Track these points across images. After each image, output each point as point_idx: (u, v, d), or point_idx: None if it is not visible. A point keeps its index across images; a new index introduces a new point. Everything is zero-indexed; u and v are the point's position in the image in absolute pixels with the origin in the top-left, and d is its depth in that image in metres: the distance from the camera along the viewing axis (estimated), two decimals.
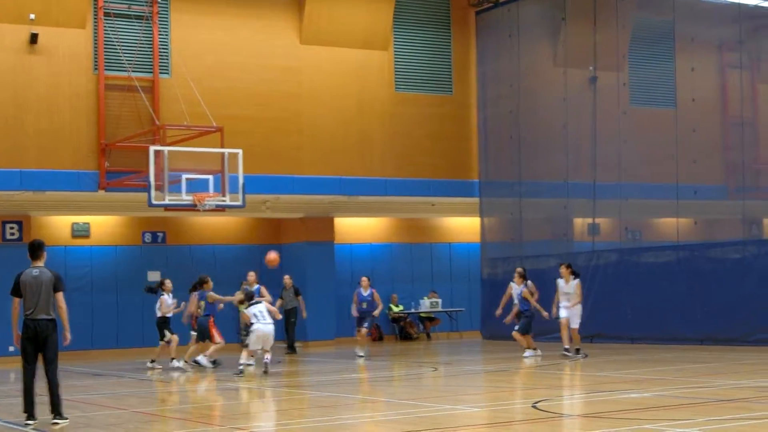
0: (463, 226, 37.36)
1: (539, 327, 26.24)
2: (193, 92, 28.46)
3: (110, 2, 29.22)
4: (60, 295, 14.47)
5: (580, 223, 31.58)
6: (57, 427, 14.12)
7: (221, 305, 25.37)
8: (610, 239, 30.64)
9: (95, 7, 29.15)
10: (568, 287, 24.24)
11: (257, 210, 31.94)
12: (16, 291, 14.52)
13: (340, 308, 32.64)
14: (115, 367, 27.05)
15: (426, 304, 36.24)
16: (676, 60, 29.12)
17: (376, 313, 26.75)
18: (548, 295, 25.20)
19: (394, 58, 33.32)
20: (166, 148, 25.99)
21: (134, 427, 14.40)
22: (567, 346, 23.99)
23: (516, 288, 25.02)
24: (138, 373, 24.63)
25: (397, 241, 36.94)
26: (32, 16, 28.09)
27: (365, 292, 26.62)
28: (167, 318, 25.60)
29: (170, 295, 25.64)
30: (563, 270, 24.30)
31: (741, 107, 27.62)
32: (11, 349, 21.55)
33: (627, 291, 28.75)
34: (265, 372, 22.01)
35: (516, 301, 24.99)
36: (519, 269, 25.58)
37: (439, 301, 36.43)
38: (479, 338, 34.15)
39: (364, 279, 27.01)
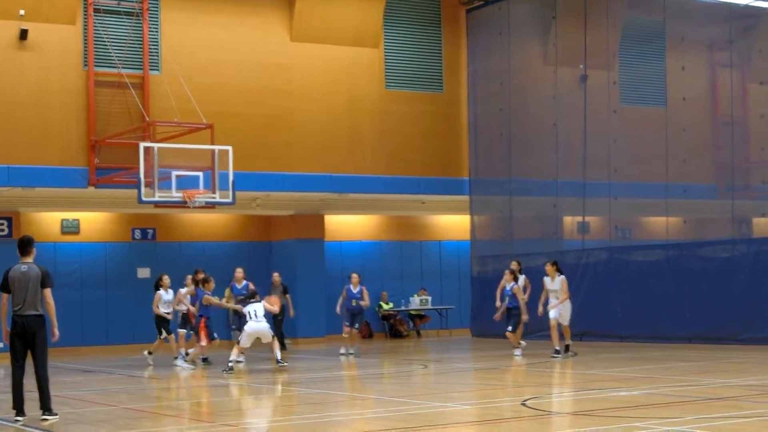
0: (453, 223, 37.37)
1: (529, 325, 26.22)
2: (183, 89, 28.43)
3: None
4: (48, 291, 14.45)
5: (569, 221, 31.60)
6: (46, 423, 14.11)
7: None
8: (599, 238, 30.68)
9: (85, 4, 29.09)
10: (554, 284, 24.16)
11: (247, 207, 31.93)
12: (5, 287, 14.50)
13: (330, 305, 32.52)
14: (105, 363, 27.02)
15: (416, 302, 36.24)
16: (667, 59, 29.16)
17: (363, 303, 26.62)
18: (538, 292, 25.19)
19: (385, 55, 33.31)
20: (156, 145, 25.96)
21: (124, 423, 14.38)
22: (557, 348, 23.94)
23: (507, 286, 25.00)
24: (128, 370, 24.60)
25: (387, 238, 36.94)
26: (22, 12, 28.03)
27: (355, 289, 26.54)
28: (165, 316, 25.38)
29: (168, 291, 25.41)
30: (549, 268, 24.25)
31: (731, 106, 27.65)
32: (0, 345, 21.61)
33: (616, 289, 28.78)
34: (279, 366, 22.25)
35: (506, 298, 24.97)
36: (513, 264, 25.55)
37: (429, 298, 36.43)
38: (469, 336, 34.17)
39: (354, 276, 26.89)
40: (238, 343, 22.80)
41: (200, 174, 26.21)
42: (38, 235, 26.63)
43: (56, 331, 14.60)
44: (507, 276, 25.10)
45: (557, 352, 23.81)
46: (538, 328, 27.51)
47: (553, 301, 24.16)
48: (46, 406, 14.35)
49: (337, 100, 32.23)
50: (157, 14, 30.07)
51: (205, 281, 24.12)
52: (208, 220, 34.23)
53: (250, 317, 22.51)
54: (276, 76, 31.38)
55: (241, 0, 31.13)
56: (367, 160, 32.58)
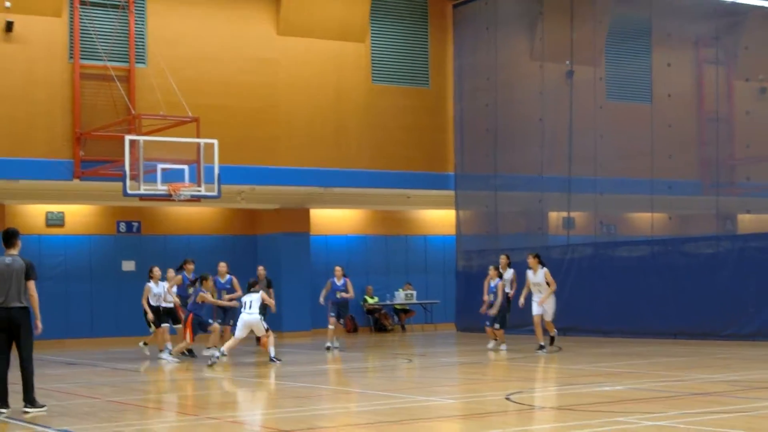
0: (438, 218, 37.41)
1: (512, 319, 26.22)
2: (169, 82, 28.39)
3: None
4: (31, 284, 14.41)
5: (555, 216, 31.64)
6: (28, 415, 14.08)
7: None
8: (585, 233, 30.73)
9: None
10: (537, 277, 23.90)
11: (233, 201, 31.89)
12: None
13: (316, 299, 32.48)
14: (90, 356, 26.97)
15: (401, 296, 36.28)
16: (653, 55, 29.22)
17: (348, 295, 26.54)
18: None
19: (371, 50, 33.29)
20: (141, 138, 25.93)
21: (108, 416, 14.36)
22: (542, 343, 23.90)
23: (492, 282, 24.99)
24: (113, 362, 24.57)
25: (372, 233, 36.97)
26: (8, 3, 27.93)
27: (339, 282, 26.51)
28: (157, 307, 25.13)
29: (159, 283, 25.22)
30: (531, 260, 23.96)
31: (716, 103, 27.73)
32: None
33: (601, 285, 28.84)
34: (271, 361, 22.29)
35: (491, 295, 24.93)
36: (502, 258, 25.38)
37: (414, 293, 36.48)
38: (454, 330, 34.22)
39: (338, 268, 26.77)
40: (233, 334, 22.96)
41: (185, 167, 26.16)
42: (23, 228, 26.59)
43: (39, 324, 14.58)
44: (492, 272, 25.11)
45: (541, 347, 23.78)
46: (521, 323, 27.50)
47: (536, 295, 24.09)
48: (29, 399, 14.33)
49: (323, 94, 32.21)
50: (143, 7, 30.00)
51: (203, 279, 23.95)
52: (193, 213, 34.21)
53: (244, 308, 22.65)
54: (262, 70, 31.35)
55: None
56: (352, 155, 32.58)
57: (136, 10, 29.67)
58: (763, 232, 26.16)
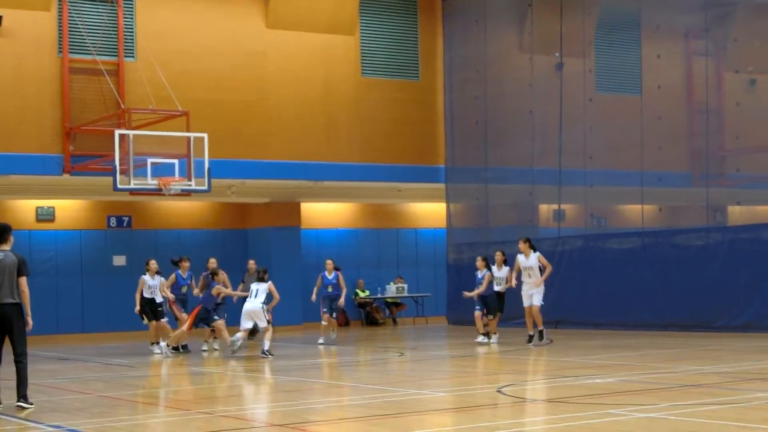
0: (429, 211, 37.42)
1: (506, 312, 26.17)
2: (158, 76, 28.34)
3: None
4: (23, 280, 14.36)
5: (545, 209, 31.66)
6: (23, 412, 14.05)
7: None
8: (575, 225, 30.76)
9: None
10: (529, 261, 23.49)
11: (223, 195, 31.87)
12: None
13: (307, 293, 32.50)
14: (81, 351, 26.95)
15: (392, 290, 36.29)
16: (642, 47, 29.22)
17: (341, 302, 26.44)
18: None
19: (361, 43, 33.27)
20: (131, 132, 25.88)
21: (100, 411, 14.35)
22: (531, 333, 23.84)
23: (479, 274, 24.83)
24: (104, 358, 24.54)
25: (363, 226, 36.98)
26: None
27: (330, 276, 26.40)
28: (152, 300, 24.89)
29: (155, 276, 25.03)
30: (522, 245, 23.57)
31: (706, 95, 27.74)
32: None
33: (592, 277, 28.86)
34: (263, 355, 22.31)
35: (477, 286, 24.72)
36: (498, 255, 25.05)
37: (405, 286, 36.49)
38: (445, 323, 34.24)
39: (329, 262, 26.62)
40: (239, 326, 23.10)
41: (176, 161, 26.12)
42: (13, 223, 26.28)
43: (30, 320, 14.54)
44: (479, 263, 24.93)
45: (531, 338, 23.68)
46: (513, 316, 27.49)
47: (527, 279, 23.69)
48: (22, 395, 14.30)
49: (312, 87, 32.18)
50: (132, 1, 29.94)
51: (214, 273, 23.88)
52: (183, 207, 34.17)
53: (250, 296, 22.89)
54: (251, 64, 31.31)
55: None
56: (342, 148, 32.56)
57: (124, 3, 29.61)
58: (753, 224, 26.20)
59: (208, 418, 13.38)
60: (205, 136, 26.19)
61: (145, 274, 24.93)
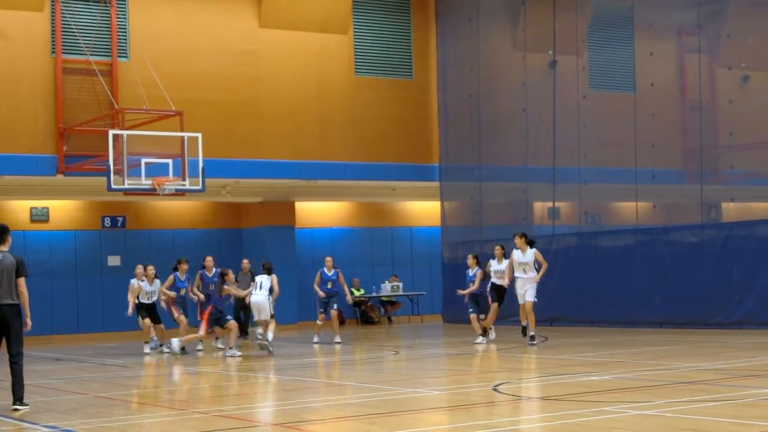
0: (423, 210, 37.42)
1: (503, 310, 26.13)
2: (151, 76, 28.33)
3: None
4: (21, 281, 14.34)
5: (540, 207, 31.68)
6: (18, 413, 14.04)
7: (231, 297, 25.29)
8: (569, 223, 30.77)
9: None
10: (526, 257, 22.81)
11: (217, 194, 31.87)
12: None
13: (302, 292, 32.63)
14: (76, 351, 26.93)
15: (387, 288, 36.29)
16: (635, 45, 29.25)
17: (348, 298, 26.47)
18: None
19: (354, 42, 33.28)
20: (125, 132, 25.88)
21: (95, 411, 14.34)
22: (524, 324, 23.28)
23: (470, 272, 24.67)
24: (99, 358, 24.53)
25: (357, 225, 36.98)
26: None
27: (329, 272, 26.32)
28: (151, 305, 24.81)
29: (154, 281, 24.88)
30: (518, 240, 22.89)
31: (699, 92, 27.75)
32: None
33: (587, 274, 28.89)
34: (264, 349, 22.51)
35: (469, 284, 24.58)
36: (497, 249, 24.86)
37: (400, 285, 36.49)
38: (440, 322, 34.24)
39: (328, 259, 26.51)
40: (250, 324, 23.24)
41: (170, 161, 26.12)
42: (7, 224, 26.46)
43: (29, 321, 14.50)
44: (470, 261, 24.78)
45: (525, 328, 23.23)
46: (508, 314, 27.48)
47: (521, 275, 23.03)
48: (18, 396, 14.27)
49: (306, 86, 32.18)
50: (124, 1, 29.93)
51: (224, 274, 23.78)
52: (178, 207, 34.16)
53: (255, 288, 23.11)
54: (245, 63, 31.31)
55: None
56: (336, 147, 32.56)
57: (117, 4, 29.61)
58: (747, 221, 26.21)
59: (204, 418, 13.37)
60: (199, 135, 26.20)
61: (142, 281, 24.79)
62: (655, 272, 27.17)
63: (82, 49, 28.84)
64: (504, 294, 24.13)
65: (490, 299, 24.51)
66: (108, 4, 29.39)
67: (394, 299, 36.75)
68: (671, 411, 12.03)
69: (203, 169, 26.24)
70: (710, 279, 25.86)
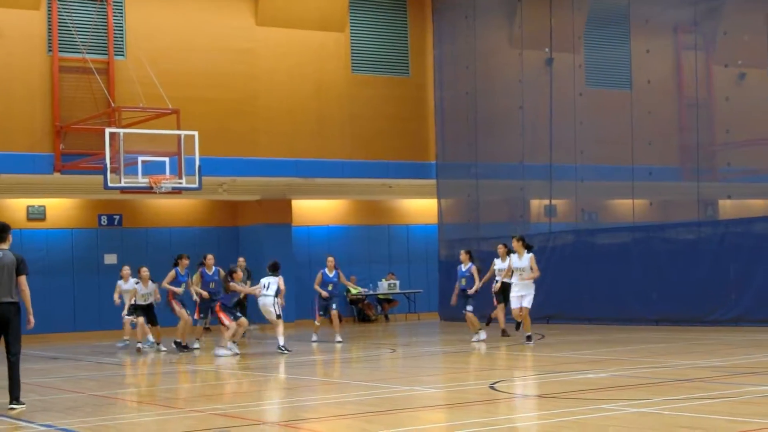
0: (420, 207, 37.42)
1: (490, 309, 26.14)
2: (148, 74, 28.31)
3: None
4: (23, 279, 14.33)
5: (536, 204, 31.67)
6: (14, 411, 14.03)
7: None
8: (566, 220, 30.78)
9: None
10: (522, 262, 22.27)
11: (214, 192, 31.86)
12: None
13: (299, 291, 32.57)
14: (73, 350, 26.92)
15: (384, 286, 36.28)
16: (632, 42, 29.23)
17: (355, 293, 26.41)
18: None
19: (351, 39, 33.26)
20: (121, 131, 25.87)
21: (92, 410, 14.33)
22: (529, 333, 22.90)
23: (463, 267, 24.31)
24: (96, 356, 24.52)
25: (354, 223, 36.97)
26: None
27: (330, 273, 25.83)
28: (148, 306, 24.72)
29: (149, 283, 24.80)
30: (515, 244, 22.40)
31: (696, 89, 27.76)
32: None
33: (583, 272, 28.89)
34: (281, 351, 22.56)
35: (461, 280, 24.25)
36: (500, 248, 24.70)
37: (397, 282, 36.49)
38: (437, 320, 34.24)
39: (330, 259, 25.98)
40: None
41: (166, 159, 26.11)
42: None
43: (32, 319, 14.47)
44: (463, 256, 24.40)
45: (529, 338, 22.55)
46: (508, 312, 27.43)
47: (518, 281, 22.41)
48: (14, 395, 14.26)
49: (303, 84, 32.17)
50: None
51: (231, 272, 23.69)
52: (174, 205, 34.14)
53: (263, 289, 23.20)
54: (242, 61, 31.30)
55: None
56: (333, 145, 32.56)
57: (114, 2, 29.59)
58: (744, 218, 26.22)
59: (201, 416, 13.37)
60: (196, 133, 26.20)
61: (136, 284, 24.72)
62: (651, 269, 27.18)
63: (78, 47, 28.83)
64: (509, 292, 23.85)
65: (495, 300, 24.62)
66: (104, 2, 29.38)
67: (391, 297, 36.75)
68: (668, 408, 12.03)
69: (200, 167, 26.24)
70: (707, 276, 25.86)
